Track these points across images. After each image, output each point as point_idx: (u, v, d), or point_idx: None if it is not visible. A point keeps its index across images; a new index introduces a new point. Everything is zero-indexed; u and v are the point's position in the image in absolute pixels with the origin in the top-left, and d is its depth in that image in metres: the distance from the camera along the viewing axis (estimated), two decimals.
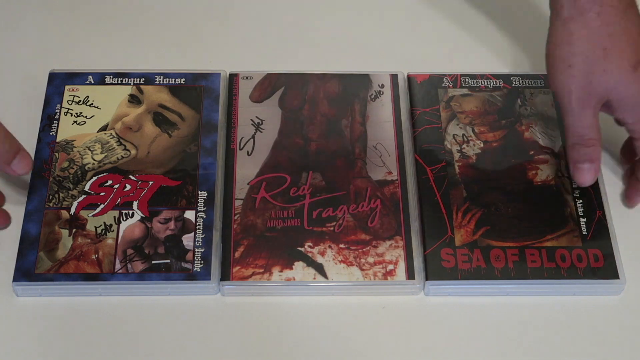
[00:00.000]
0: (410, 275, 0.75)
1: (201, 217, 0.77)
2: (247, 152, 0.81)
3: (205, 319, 0.74)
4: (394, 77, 0.86)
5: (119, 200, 0.78)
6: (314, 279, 0.74)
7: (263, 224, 0.77)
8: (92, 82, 0.85)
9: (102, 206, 0.77)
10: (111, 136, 0.82)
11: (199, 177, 0.79)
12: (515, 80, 0.86)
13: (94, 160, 0.80)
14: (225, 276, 0.74)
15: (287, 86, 0.85)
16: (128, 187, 0.78)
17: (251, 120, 0.83)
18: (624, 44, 0.71)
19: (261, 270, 0.74)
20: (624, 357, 0.73)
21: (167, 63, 0.87)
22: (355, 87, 0.85)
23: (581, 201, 0.78)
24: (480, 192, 0.79)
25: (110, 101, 0.84)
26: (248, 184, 0.79)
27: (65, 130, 0.82)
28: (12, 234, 0.77)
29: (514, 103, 0.85)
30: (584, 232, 0.77)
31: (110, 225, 0.76)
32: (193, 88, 0.85)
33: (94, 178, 0.79)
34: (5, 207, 0.78)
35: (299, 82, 0.86)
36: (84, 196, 0.78)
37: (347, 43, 0.91)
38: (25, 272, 0.74)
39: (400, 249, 0.76)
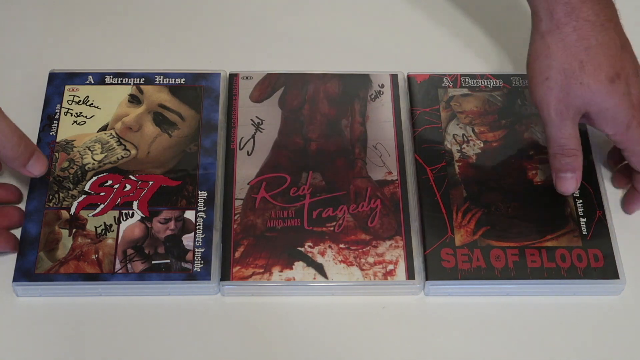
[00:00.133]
0: (410, 275, 0.75)
1: (201, 217, 0.77)
2: (247, 152, 0.81)
3: (206, 319, 0.74)
4: (394, 77, 0.86)
5: (119, 200, 0.78)
6: (314, 279, 0.74)
7: (263, 224, 0.77)
8: (92, 82, 0.85)
9: (102, 206, 0.77)
10: (111, 136, 0.82)
11: (199, 177, 0.79)
12: (515, 80, 0.86)
13: (94, 160, 0.80)
14: (225, 276, 0.74)
15: (287, 86, 0.85)
16: (128, 187, 0.78)
17: (251, 120, 0.83)
18: (600, 58, 0.72)
19: (261, 270, 0.74)
20: (624, 357, 0.73)
21: (167, 63, 0.87)
22: (355, 87, 0.85)
23: (581, 201, 0.78)
24: (480, 192, 0.79)
25: (110, 101, 0.84)
26: (248, 184, 0.79)
27: (65, 130, 0.82)
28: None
29: (513, 103, 0.85)
30: (584, 232, 0.77)
31: (110, 225, 0.76)
32: (193, 88, 0.85)
33: (94, 178, 0.79)
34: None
35: (299, 82, 0.86)
36: (84, 196, 0.78)
37: (347, 43, 0.91)
38: (25, 272, 0.74)
39: (400, 249, 0.76)
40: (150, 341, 0.73)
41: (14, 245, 0.75)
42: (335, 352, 0.73)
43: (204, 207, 0.77)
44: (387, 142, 0.82)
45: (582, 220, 0.77)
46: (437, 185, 0.79)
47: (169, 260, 0.75)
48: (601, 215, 0.78)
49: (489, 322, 0.74)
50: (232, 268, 0.74)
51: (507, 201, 0.78)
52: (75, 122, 0.82)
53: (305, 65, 0.88)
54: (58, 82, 0.85)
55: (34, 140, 0.80)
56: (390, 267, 0.75)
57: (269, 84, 0.85)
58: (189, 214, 0.77)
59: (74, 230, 0.76)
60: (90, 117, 0.83)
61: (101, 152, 0.80)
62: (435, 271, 0.74)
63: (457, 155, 0.81)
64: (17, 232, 0.76)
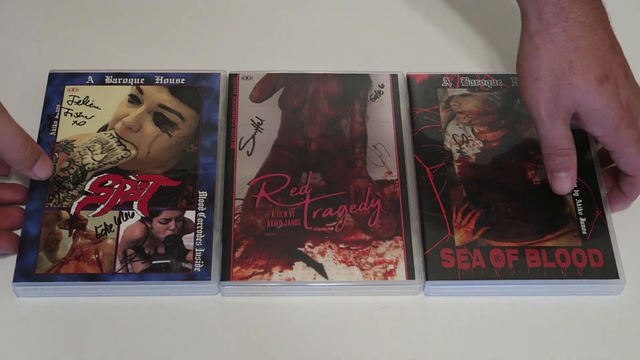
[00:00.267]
0: (410, 275, 0.75)
1: (201, 217, 0.77)
2: (247, 152, 0.81)
3: (206, 319, 0.74)
4: (393, 77, 0.87)
5: (119, 201, 0.78)
6: (314, 279, 0.74)
7: (263, 224, 0.77)
8: (92, 82, 0.85)
9: (102, 206, 0.77)
10: (111, 136, 0.82)
11: (199, 177, 0.79)
12: (514, 80, 0.86)
13: (94, 160, 0.80)
14: (225, 276, 0.74)
15: (287, 86, 0.85)
16: (128, 187, 0.79)
17: (251, 120, 0.83)
18: (589, 58, 0.72)
19: (261, 271, 0.74)
20: (624, 357, 0.73)
21: (167, 63, 0.87)
22: (355, 87, 0.85)
23: (581, 201, 0.79)
24: (479, 192, 0.79)
25: (110, 101, 0.84)
26: (248, 184, 0.79)
27: (65, 130, 0.82)
28: None
29: (513, 103, 0.85)
30: (584, 232, 0.77)
31: (111, 226, 0.76)
32: (193, 88, 0.85)
33: (94, 178, 0.79)
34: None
35: (298, 82, 0.86)
36: (84, 196, 0.78)
37: (346, 43, 0.91)
38: (25, 272, 0.74)
39: (400, 249, 0.76)
40: (150, 341, 0.73)
41: (17, 246, 0.75)
42: (335, 352, 0.73)
43: (204, 207, 0.78)
44: (387, 142, 0.82)
45: (582, 220, 0.78)
46: (436, 185, 0.79)
47: (169, 261, 0.75)
48: (601, 215, 0.78)
49: (489, 322, 0.74)
50: (232, 268, 0.74)
51: (507, 201, 0.78)
52: (75, 122, 0.82)
53: (305, 65, 0.88)
54: (58, 82, 0.85)
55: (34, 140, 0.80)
56: (390, 267, 0.75)
57: (269, 84, 0.85)
58: (189, 214, 0.77)
59: (74, 231, 0.76)
60: (90, 118, 0.83)
61: (101, 152, 0.81)
62: (435, 271, 0.74)
63: (456, 155, 0.81)
64: (17, 233, 0.76)
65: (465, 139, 0.82)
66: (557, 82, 0.72)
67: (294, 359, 0.73)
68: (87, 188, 0.78)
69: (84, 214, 0.77)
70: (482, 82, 0.86)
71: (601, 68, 0.72)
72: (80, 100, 0.84)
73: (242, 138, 0.82)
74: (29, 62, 0.89)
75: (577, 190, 0.79)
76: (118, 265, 0.74)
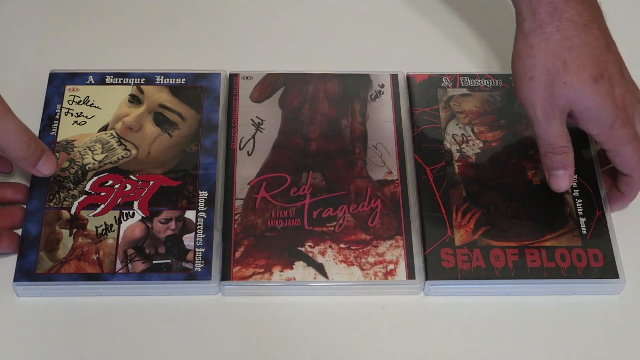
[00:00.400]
0: (410, 275, 0.75)
1: (202, 217, 0.77)
2: (248, 152, 0.81)
3: (206, 319, 0.74)
4: (394, 77, 0.87)
5: (119, 200, 0.78)
6: (315, 278, 0.74)
7: (263, 224, 0.77)
8: (93, 82, 0.85)
9: (102, 206, 0.77)
10: (112, 136, 0.82)
11: (199, 177, 0.79)
12: None
13: (95, 160, 0.80)
14: (225, 276, 0.74)
15: (287, 86, 0.85)
16: (129, 187, 0.79)
17: (251, 120, 0.83)
18: (584, 58, 0.72)
19: (262, 270, 0.74)
20: (623, 357, 0.73)
21: (167, 63, 0.87)
22: (355, 87, 0.86)
23: (581, 201, 0.79)
24: (479, 191, 0.79)
25: (111, 101, 0.84)
26: (248, 184, 0.79)
27: (66, 130, 0.82)
28: None
29: (513, 103, 0.85)
30: (584, 232, 0.77)
31: (111, 225, 0.77)
32: (193, 88, 0.85)
33: (95, 178, 0.79)
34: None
35: (299, 82, 0.86)
36: (84, 196, 0.78)
37: (347, 43, 0.91)
38: (25, 272, 0.74)
39: (400, 248, 0.76)
40: (150, 341, 0.73)
41: (17, 245, 0.75)
42: (336, 352, 0.73)
43: (204, 207, 0.78)
44: (387, 142, 0.82)
45: (582, 220, 0.78)
46: (436, 185, 0.79)
47: (169, 260, 0.75)
48: (601, 214, 0.78)
49: (489, 321, 0.74)
50: (233, 268, 0.74)
51: (507, 201, 0.79)
52: (75, 122, 0.82)
53: (306, 65, 0.88)
54: (58, 82, 0.85)
55: None
56: (391, 266, 0.75)
57: (269, 84, 0.86)
58: (190, 214, 0.77)
59: (74, 230, 0.76)
60: (91, 117, 0.83)
61: (102, 152, 0.81)
62: (435, 271, 0.75)
63: (456, 155, 0.81)
64: (18, 232, 0.76)
65: (465, 138, 0.82)
66: (551, 81, 0.72)
67: (294, 359, 0.73)
68: (87, 188, 0.78)
69: (84, 213, 0.77)
70: (482, 82, 0.86)
71: (595, 67, 0.72)
72: (80, 100, 0.84)
73: (242, 138, 0.82)
74: (30, 62, 0.89)
75: (577, 190, 0.79)
76: (118, 265, 0.74)
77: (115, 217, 0.77)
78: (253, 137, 0.82)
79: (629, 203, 0.79)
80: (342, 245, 0.76)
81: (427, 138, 0.82)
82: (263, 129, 0.83)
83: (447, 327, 0.74)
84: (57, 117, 0.83)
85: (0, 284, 0.75)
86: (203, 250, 0.75)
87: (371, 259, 0.75)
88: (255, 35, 0.91)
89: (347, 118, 0.84)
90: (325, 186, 0.79)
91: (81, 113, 0.83)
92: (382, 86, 0.86)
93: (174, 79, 0.85)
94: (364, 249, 0.76)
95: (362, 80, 0.86)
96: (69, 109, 0.83)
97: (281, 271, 0.74)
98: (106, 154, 0.81)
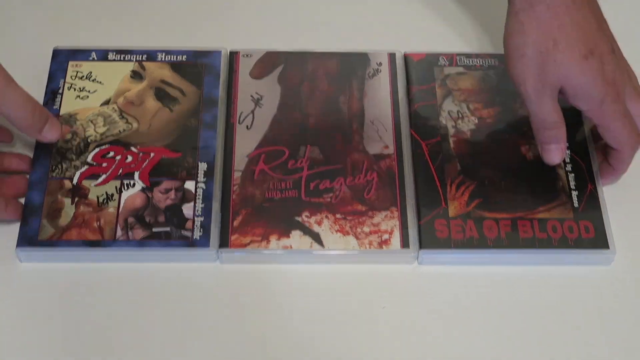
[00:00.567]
0: (405, 244, 0.76)
1: (201, 187, 0.79)
2: (247, 126, 0.83)
3: (204, 286, 0.75)
4: (391, 56, 0.88)
5: (120, 171, 0.79)
6: (311, 247, 0.76)
7: (261, 195, 0.78)
8: (95, 58, 0.87)
9: (104, 176, 0.79)
10: (113, 110, 0.83)
11: (199, 149, 0.81)
12: None
13: (97, 132, 0.82)
14: (224, 244, 0.76)
15: (287, 64, 0.87)
16: (130, 158, 0.80)
17: (251, 96, 0.85)
18: (574, 35, 0.73)
19: (259, 239, 0.76)
20: (613, 326, 0.75)
21: (169, 41, 0.89)
22: (353, 66, 0.87)
23: (573, 175, 0.80)
24: (474, 166, 0.81)
25: (113, 77, 0.85)
26: (247, 156, 0.81)
27: (69, 104, 0.83)
28: None
29: (508, 81, 0.85)
30: (576, 205, 0.78)
31: (112, 195, 0.78)
32: (194, 65, 0.87)
33: (96, 149, 0.81)
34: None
35: (298, 61, 0.87)
36: (86, 167, 0.79)
37: (346, 23, 0.93)
38: (28, 238, 0.75)
39: (395, 219, 0.77)
40: (149, 307, 0.74)
41: (21, 213, 0.77)
42: (330, 319, 0.74)
43: (203, 178, 0.79)
44: (384, 118, 0.84)
45: (574, 193, 0.79)
46: (431, 159, 0.81)
47: (169, 229, 0.76)
48: (592, 188, 0.79)
49: (481, 290, 0.76)
50: (231, 236, 0.76)
51: (501, 175, 0.80)
52: (78, 96, 0.84)
53: (305, 44, 0.89)
54: (62, 58, 0.86)
55: None
56: (386, 236, 0.76)
57: (269, 62, 0.87)
58: (189, 185, 0.79)
59: (76, 199, 0.78)
60: (93, 92, 0.84)
61: (103, 125, 0.82)
62: (429, 240, 0.76)
63: (452, 131, 0.83)
64: (21, 201, 0.78)
65: (460, 115, 0.84)
66: (542, 59, 0.74)
67: (289, 325, 0.74)
68: (89, 159, 0.80)
69: (86, 183, 0.79)
70: (478, 61, 0.88)
71: (585, 44, 0.73)
72: (83, 76, 0.85)
73: (241, 113, 0.84)
74: (34, 39, 0.90)
75: (570, 165, 0.81)
76: (119, 233, 0.76)
77: (116, 187, 0.78)
78: (252, 112, 0.84)
79: (620, 177, 0.81)
80: (338, 216, 0.77)
81: (423, 114, 0.84)
82: (262, 105, 0.84)
83: (440, 295, 0.76)
84: (60, 91, 0.84)
85: (3, 251, 0.76)
86: (202, 219, 0.77)
87: (366, 229, 0.77)
88: (255, 14, 0.93)
89: (345, 95, 0.85)
90: (322, 159, 0.81)
91: (84, 88, 0.85)
92: (380, 64, 0.87)
93: (175, 56, 0.87)
94: (360, 219, 0.77)
95: (360, 59, 0.88)
96: (71, 84, 0.85)
97: (278, 239, 0.76)
98: (108, 127, 0.82)
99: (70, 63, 0.86)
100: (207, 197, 0.78)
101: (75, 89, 0.84)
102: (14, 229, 0.77)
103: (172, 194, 0.78)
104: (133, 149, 0.81)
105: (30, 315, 0.74)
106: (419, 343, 0.73)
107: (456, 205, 0.78)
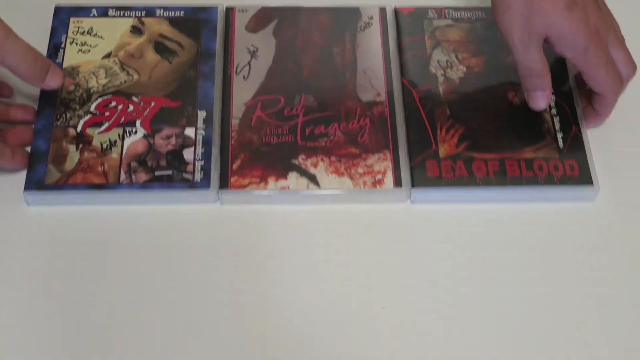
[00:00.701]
0: (397, 183, 0.79)
1: (200, 133, 0.82)
2: (244, 76, 0.86)
3: (205, 227, 0.78)
4: (382, 10, 0.91)
5: (122, 119, 0.82)
6: (307, 187, 0.79)
7: (259, 140, 0.81)
8: (96, 14, 0.89)
9: (107, 124, 0.82)
10: (115, 62, 0.86)
11: (198, 98, 0.84)
12: None
13: (99, 84, 0.85)
14: (224, 185, 0.79)
15: (281, 18, 0.90)
16: (131, 107, 0.83)
17: (247, 48, 0.88)
18: None
19: (257, 180, 0.79)
20: (597, 259, 0.78)
21: None
22: (345, 19, 0.90)
23: (558, 118, 0.83)
24: (463, 111, 0.84)
25: (113, 32, 0.88)
26: (244, 104, 0.84)
27: (71, 57, 0.86)
28: None
29: (495, 33, 0.89)
30: (561, 146, 0.82)
31: (115, 142, 0.81)
32: (192, 20, 0.89)
33: (99, 99, 0.83)
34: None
35: (292, 15, 0.90)
36: (89, 115, 0.82)
37: None
38: (35, 182, 0.78)
39: (388, 161, 0.80)
40: (152, 248, 0.77)
41: (27, 162, 0.80)
42: (326, 257, 0.77)
43: (203, 125, 0.82)
44: (376, 67, 0.87)
45: (559, 134, 0.82)
46: (422, 105, 0.84)
47: (170, 172, 0.79)
48: (577, 130, 0.83)
49: (471, 227, 0.79)
50: (230, 178, 0.79)
51: (488, 119, 0.83)
52: (80, 50, 0.87)
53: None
54: (63, 15, 0.89)
55: None
56: (379, 176, 0.80)
57: (264, 16, 0.90)
58: (189, 131, 0.82)
59: (80, 146, 0.81)
60: (95, 46, 0.87)
61: (105, 77, 0.85)
62: (421, 179, 0.79)
63: (441, 79, 0.86)
64: (27, 148, 0.81)
65: (449, 64, 0.87)
66: (528, 9, 0.77)
67: (288, 263, 0.77)
68: (92, 108, 0.83)
69: (89, 131, 0.81)
70: (466, 14, 0.91)
71: None
72: (84, 31, 0.88)
73: (238, 64, 0.87)
74: None
75: (555, 109, 0.84)
76: (123, 176, 0.79)
77: (118, 134, 0.81)
78: (249, 63, 0.87)
79: (604, 120, 0.84)
80: (333, 158, 0.80)
81: (413, 64, 0.87)
82: (258, 56, 0.87)
83: (432, 233, 0.79)
84: (62, 46, 0.87)
85: (12, 195, 0.79)
86: (202, 163, 0.80)
87: (360, 170, 0.80)
88: None
89: (338, 47, 0.88)
90: (317, 107, 0.84)
91: (85, 42, 0.87)
92: (371, 18, 0.90)
93: (173, 12, 0.90)
94: (354, 161, 0.80)
95: (352, 13, 0.91)
96: (73, 38, 0.88)
97: (276, 181, 0.79)
98: (109, 78, 0.85)
99: (72, 19, 0.89)
100: (207, 143, 0.81)
101: (77, 44, 0.87)
102: (21, 176, 0.79)
103: (172, 140, 0.81)
104: (134, 98, 0.84)
105: (38, 258, 0.77)
106: (413, 277, 0.76)
107: (446, 147, 0.81)
